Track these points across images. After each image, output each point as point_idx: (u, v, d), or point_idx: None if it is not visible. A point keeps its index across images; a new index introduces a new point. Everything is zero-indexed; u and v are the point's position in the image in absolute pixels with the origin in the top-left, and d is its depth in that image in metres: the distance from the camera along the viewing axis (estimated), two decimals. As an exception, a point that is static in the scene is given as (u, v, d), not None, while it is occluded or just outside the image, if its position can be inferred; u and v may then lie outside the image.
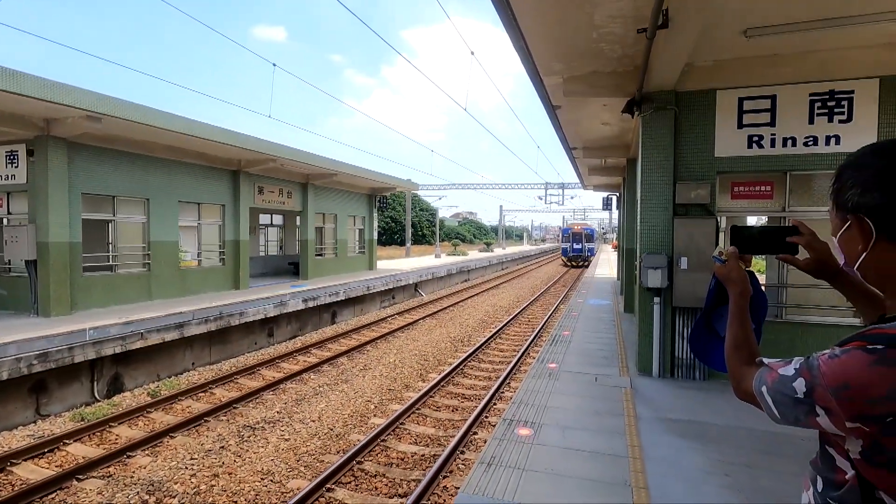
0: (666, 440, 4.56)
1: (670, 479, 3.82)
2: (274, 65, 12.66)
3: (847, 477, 0.96)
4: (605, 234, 63.98)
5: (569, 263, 39.23)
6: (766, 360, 1.11)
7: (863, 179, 0.98)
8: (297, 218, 19.67)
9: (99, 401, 8.26)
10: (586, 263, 36.74)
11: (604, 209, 22.12)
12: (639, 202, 6.98)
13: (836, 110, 6.05)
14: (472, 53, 11.39)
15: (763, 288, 1.76)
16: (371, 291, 17.08)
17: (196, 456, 6.17)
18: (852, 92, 5.98)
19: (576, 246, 38.02)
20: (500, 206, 61.50)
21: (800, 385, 0.95)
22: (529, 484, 3.73)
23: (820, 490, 1.03)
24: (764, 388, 1.05)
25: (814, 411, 0.93)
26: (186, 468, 5.85)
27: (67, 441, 6.57)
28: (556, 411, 5.22)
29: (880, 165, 0.96)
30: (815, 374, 0.92)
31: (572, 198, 44.62)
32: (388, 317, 16.31)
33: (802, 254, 1.34)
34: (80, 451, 6.39)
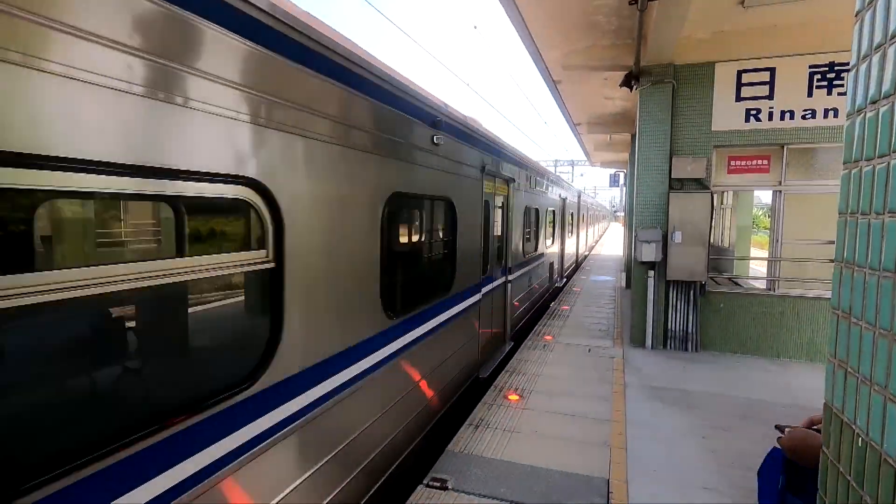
0: (650, 406, 4.73)
1: (648, 440, 4.00)
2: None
3: None
4: (615, 211, 63.45)
5: None
6: None
7: None
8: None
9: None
10: None
11: (611, 186, 21.95)
12: (635, 177, 7.02)
13: (835, 82, 5.99)
14: (475, 28, 11.31)
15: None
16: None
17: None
18: (852, 63, 5.91)
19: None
20: (510, 184, 61.06)
21: None
22: (513, 443, 3.94)
23: None
24: None
25: None
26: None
27: None
28: (547, 379, 5.41)
29: None
30: None
31: (581, 175, 44.22)
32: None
33: None
34: None
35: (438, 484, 3.39)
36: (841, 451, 0.66)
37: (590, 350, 6.59)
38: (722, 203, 11.53)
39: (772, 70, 6.19)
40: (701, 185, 6.51)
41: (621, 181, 19.28)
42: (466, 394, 5.19)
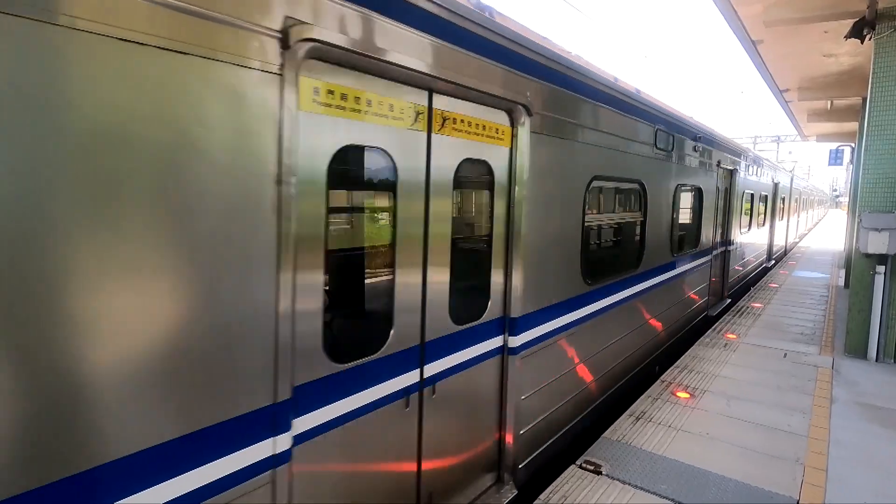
0: (864, 426, 3.89)
1: (857, 466, 3.31)
2: None
3: None
4: (837, 196, 51.78)
5: None
6: None
7: None
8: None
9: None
10: None
11: (831, 164, 17.80)
12: (863, 148, 5.69)
13: None
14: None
15: None
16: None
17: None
18: None
19: None
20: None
21: None
22: (678, 442, 3.65)
23: None
24: None
25: None
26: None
27: None
28: (725, 381, 4.82)
29: None
30: None
31: (790, 152, 36.91)
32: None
33: None
34: None
35: (592, 467, 3.34)
36: None
37: (786, 355, 5.64)
38: None
39: None
40: (968, 156, 4.98)
41: (846, 159, 15.56)
42: None
